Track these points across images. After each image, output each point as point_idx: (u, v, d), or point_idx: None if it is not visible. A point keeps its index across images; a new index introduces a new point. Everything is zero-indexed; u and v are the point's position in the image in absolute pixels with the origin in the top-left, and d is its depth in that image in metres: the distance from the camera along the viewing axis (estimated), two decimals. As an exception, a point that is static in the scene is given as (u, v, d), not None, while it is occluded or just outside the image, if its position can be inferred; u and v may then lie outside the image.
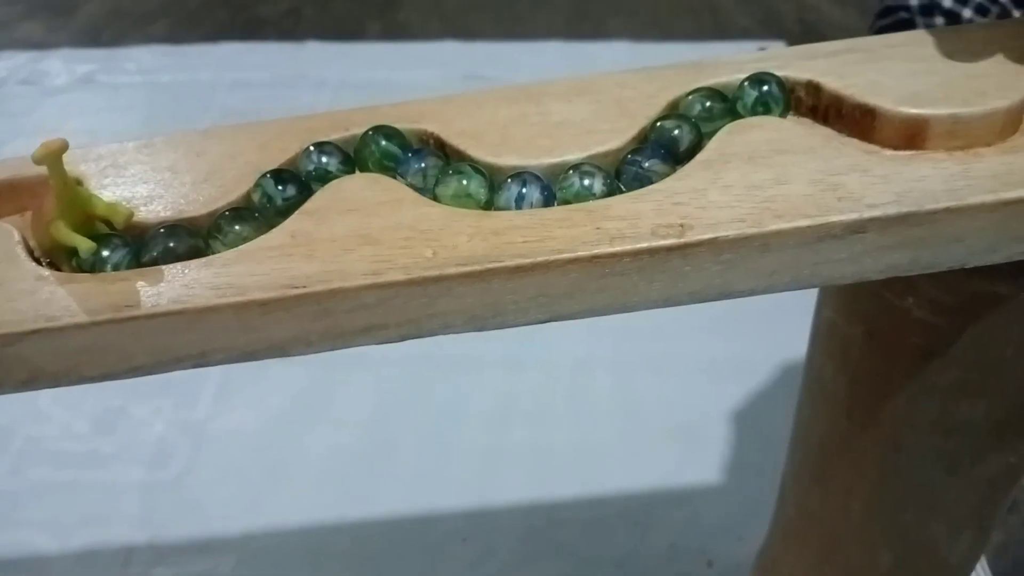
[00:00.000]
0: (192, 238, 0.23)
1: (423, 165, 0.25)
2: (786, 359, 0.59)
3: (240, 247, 0.22)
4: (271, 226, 0.23)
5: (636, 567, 0.48)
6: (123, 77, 0.83)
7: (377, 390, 0.56)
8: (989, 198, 0.21)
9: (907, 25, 0.62)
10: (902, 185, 0.21)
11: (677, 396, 0.56)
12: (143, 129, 0.77)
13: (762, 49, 0.85)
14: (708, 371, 0.58)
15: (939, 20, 0.62)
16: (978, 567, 0.49)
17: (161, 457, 0.54)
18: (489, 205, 0.24)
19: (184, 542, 0.50)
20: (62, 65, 0.84)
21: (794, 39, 0.84)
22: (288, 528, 0.50)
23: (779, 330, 0.59)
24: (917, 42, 0.26)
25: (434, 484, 0.52)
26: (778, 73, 0.25)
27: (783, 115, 0.25)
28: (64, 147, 0.22)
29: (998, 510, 0.32)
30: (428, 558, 0.49)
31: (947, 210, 0.21)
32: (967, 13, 0.61)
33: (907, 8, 0.63)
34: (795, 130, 0.23)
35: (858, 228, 0.21)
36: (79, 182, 0.25)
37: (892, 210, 0.21)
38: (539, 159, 0.24)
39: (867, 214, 0.21)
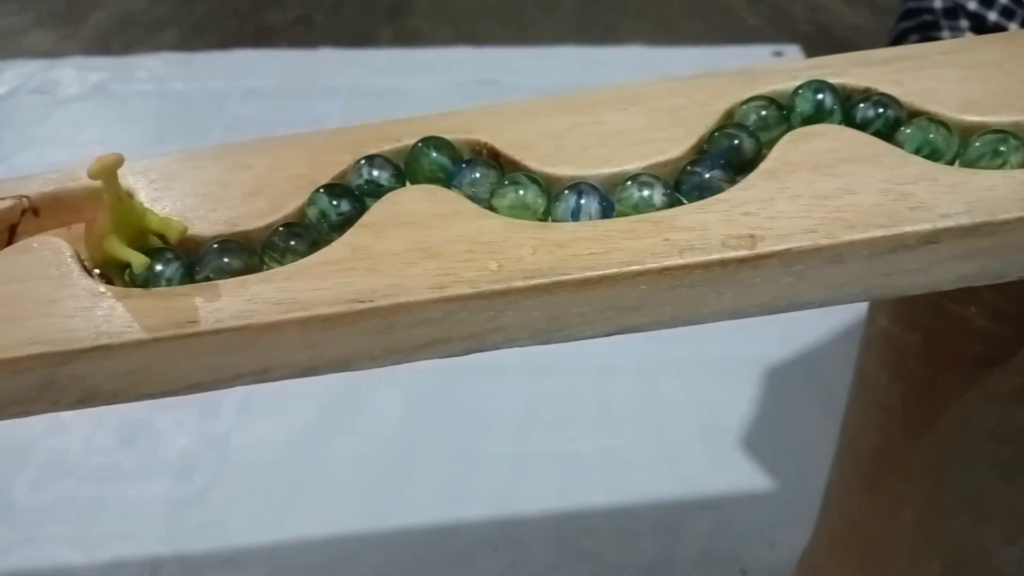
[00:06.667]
0: (246, 254, 0.23)
1: (477, 175, 0.24)
2: (808, 358, 0.59)
3: (299, 262, 0.22)
4: (325, 242, 0.23)
5: (668, 575, 0.48)
6: (135, 85, 0.83)
7: (403, 399, 0.56)
8: (1061, 205, 0.21)
9: (931, 27, 0.63)
10: (972, 195, 0.21)
11: (703, 398, 0.56)
12: (156, 138, 0.77)
13: (777, 54, 0.85)
14: (732, 372, 0.58)
15: (963, 23, 0.62)
16: None
17: (185, 470, 0.54)
18: (546, 216, 0.24)
19: (212, 555, 0.50)
20: (74, 74, 0.83)
21: (806, 40, 0.84)
22: (316, 540, 0.50)
23: (800, 329, 0.59)
24: (969, 48, 0.26)
25: (462, 493, 0.51)
26: (833, 80, 0.25)
27: (840, 124, 0.24)
28: (120, 162, 0.22)
29: (1049, 517, 0.31)
30: (459, 567, 0.48)
31: (1020, 219, 0.21)
32: (992, 16, 0.61)
33: (931, 11, 0.64)
34: (857, 138, 0.23)
35: (931, 239, 0.21)
36: (131, 195, 0.24)
37: (965, 220, 0.20)
38: (596, 169, 0.24)
39: (941, 224, 0.20)
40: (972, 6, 0.60)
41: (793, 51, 0.82)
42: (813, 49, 0.82)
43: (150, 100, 0.82)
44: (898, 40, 0.64)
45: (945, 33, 0.60)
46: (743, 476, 0.52)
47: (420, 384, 0.57)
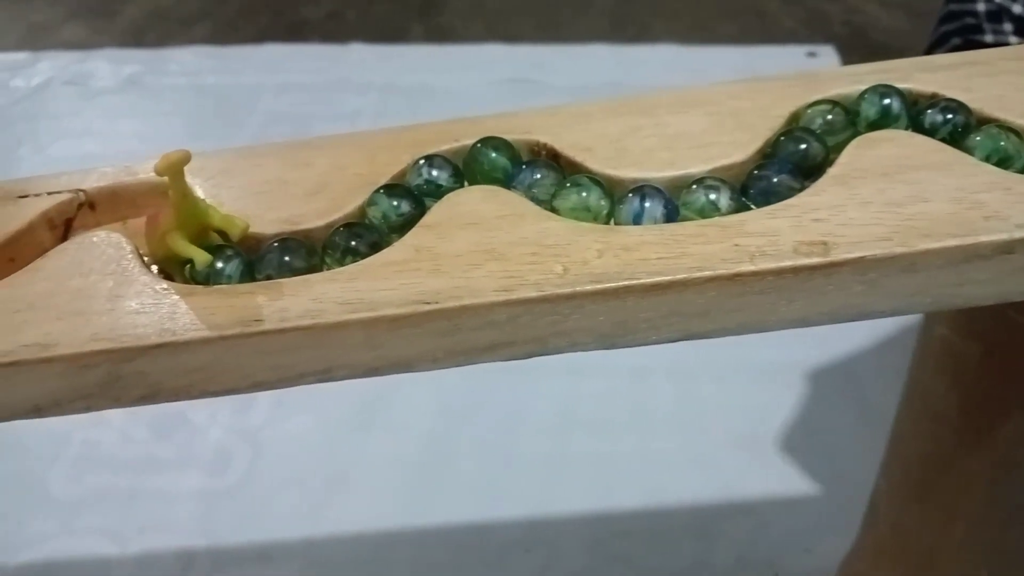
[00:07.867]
0: (307, 253, 0.23)
1: (537, 177, 0.24)
2: (846, 364, 0.58)
3: (362, 262, 0.22)
4: (385, 243, 0.23)
5: (702, 579, 0.47)
6: (168, 79, 0.83)
7: (438, 397, 0.56)
8: None
9: (973, 31, 0.62)
10: (1048, 204, 0.21)
11: (740, 403, 0.56)
12: (190, 132, 0.77)
13: (811, 55, 0.84)
14: (769, 377, 0.57)
15: (1007, 26, 0.61)
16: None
17: (220, 463, 0.54)
18: (608, 219, 0.23)
19: (245, 549, 0.50)
20: (107, 66, 0.84)
21: (842, 42, 0.83)
22: (350, 536, 0.50)
23: (838, 334, 0.59)
24: (1037, 54, 0.26)
25: (496, 493, 0.51)
26: (899, 85, 0.25)
27: (906, 129, 0.24)
28: (187, 158, 0.22)
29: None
30: (492, 567, 0.48)
31: (1097, 230, 0.20)
32: (1039, 19, 0.60)
33: (974, 13, 0.63)
34: (926, 145, 0.23)
35: (1007, 249, 0.20)
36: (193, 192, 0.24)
37: (1042, 230, 0.20)
38: (660, 172, 0.24)
39: (1016, 234, 0.20)
40: (1017, 9, 0.59)
41: (827, 52, 0.82)
42: (848, 51, 0.82)
43: (183, 94, 0.82)
44: (938, 43, 0.63)
45: (988, 37, 0.59)
46: (780, 481, 0.51)
47: (456, 382, 0.56)
